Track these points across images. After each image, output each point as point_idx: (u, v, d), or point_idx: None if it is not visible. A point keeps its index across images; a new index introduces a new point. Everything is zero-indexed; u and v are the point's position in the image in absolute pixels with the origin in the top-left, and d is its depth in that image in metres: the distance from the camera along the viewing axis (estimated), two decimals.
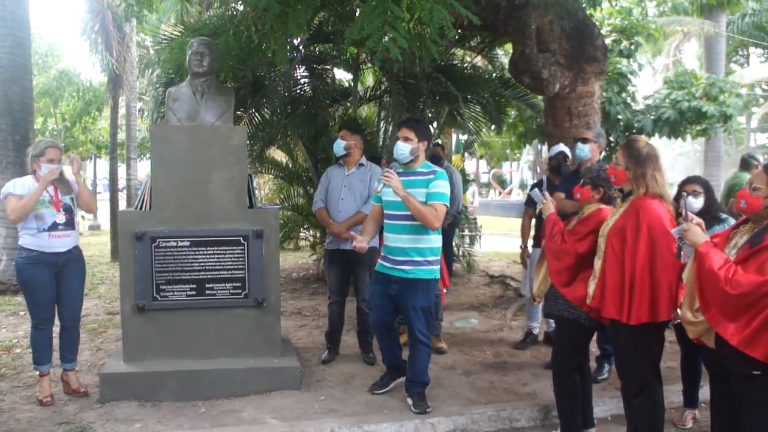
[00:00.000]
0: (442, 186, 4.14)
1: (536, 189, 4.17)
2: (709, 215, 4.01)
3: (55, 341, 4.60)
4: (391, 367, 4.64)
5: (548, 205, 4.00)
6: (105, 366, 4.68)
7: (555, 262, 3.79)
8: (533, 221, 5.81)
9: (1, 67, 8.43)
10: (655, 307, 3.30)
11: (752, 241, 2.83)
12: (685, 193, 4.04)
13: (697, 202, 4.13)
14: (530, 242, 5.85)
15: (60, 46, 21.77)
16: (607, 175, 3.82)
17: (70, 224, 4.47)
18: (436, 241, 4.27)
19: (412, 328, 4.29)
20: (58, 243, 4.39)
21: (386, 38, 4.15)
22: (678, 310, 3.31)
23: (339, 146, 5.29)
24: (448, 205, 4.25)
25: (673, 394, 4.44)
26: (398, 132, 4.32)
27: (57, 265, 4.41)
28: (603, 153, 5.20)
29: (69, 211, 4.47)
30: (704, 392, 4.26)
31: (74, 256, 4.53)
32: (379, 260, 4.46)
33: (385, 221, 4.37)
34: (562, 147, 5.65)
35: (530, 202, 5.78)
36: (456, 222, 8.22)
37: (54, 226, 4.36)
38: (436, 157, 7.17)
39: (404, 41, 4.10)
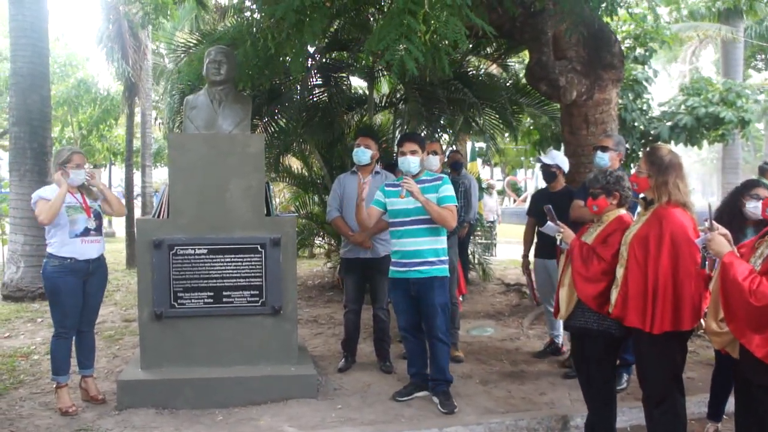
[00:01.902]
0: (449, 189, 4.51)
1: (549, 223, 4.06)
2: None
3: None
4: (417, 376, 4.70)
5: (567, 232, 3.90)
6: (122, 373, 4.70)
7: (593, 286, 3.64)
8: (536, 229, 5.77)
9: (21, 76, 8.55)
10: (679, 316, 3.25)
11: None
12: (753, 197, 3.99)
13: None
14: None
15: (79, 56, 21.88)
16: (616, 178, 3.77)
17: (99, 230, 4.54)
18: (445, 241, 4.59)
19: (432, 326, 4.49)
20: (90, 248, 4.45)
21: (401, 49, 4.16)
22: (702, 320, 3.27)
23: (365, 155, 5.27)
24: (457, 204, 4.59)
25: (693, 405, 4.37)
26: (403, 147, 4.57)
27: (87, 272, 4.45)
28: (622, 161, 5.15)
29: (98, 217, 4.55)
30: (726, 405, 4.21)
31: (101, 264, 4.60)
32: (391, 267, 4.62)
33: (397, 228, 4.55)
34: (557, 158, 5.59)
35: (531, 211, 5.75)
36: (472, 230, 8.20)
37: (86, 232, 4.43)
38: (458, 163, 7.15)
39: (420, 54, 4.13)
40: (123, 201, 15.29)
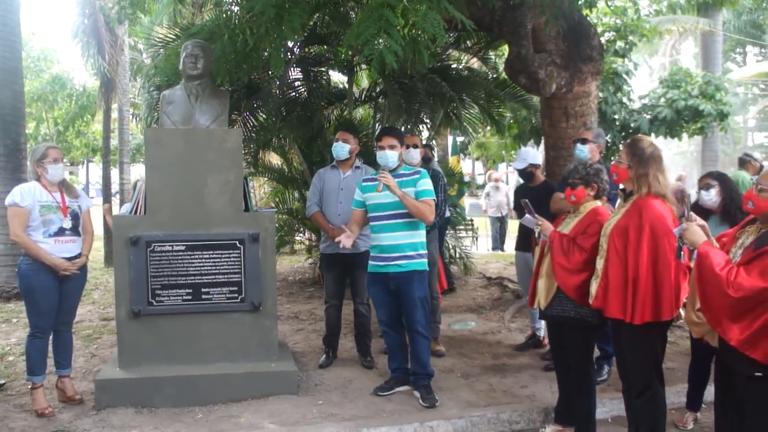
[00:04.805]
0: (428, 183, 4.52)
1: (527, 215, 4.08)
2: (732, 210, 4.02)
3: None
4: (398, 371, 4.70)
5: (545, 225, 3.91)
6: (100, 372, 4.64)
7: (575, 276, 3.65)
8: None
9: None
10: (659, 306, 3.27)
11: (757, 243, 2.81)
12: (699, 189, 4.05)
13: (708, 195, 4.15)
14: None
15: (54, 51, 21.58)
16: (596, 170, 3.80)
17: (75, 230, 4.45)
18: (423, 235, 4.61)
19: (412, 320, 4.50)
20: (65, 248, 4.37)
21: (380, 42, 4.14)
22: (681, 310, 3.29)
23: (344, 150, 5.25)
24: (436, 199, 4.60)
25: (673, 395, 4.41)
26: (381, 141, 4.59)
27: None
28: (602, 153, 5.17)
29: (75, 218, 4.45)
30: (705, 394, 4.25)
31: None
32: (370, 261, 4.62)
33: (375, 222, 4.56)
34: (527, 159, 5.59)
35: (518, 206, 5.77)
36: (447, 223, 8.16)
37: (60, 232, 4.35)
38: (427, 159, 7.14)
39: (399, 48, 4.11)
40: (100, 198, 15.15)
